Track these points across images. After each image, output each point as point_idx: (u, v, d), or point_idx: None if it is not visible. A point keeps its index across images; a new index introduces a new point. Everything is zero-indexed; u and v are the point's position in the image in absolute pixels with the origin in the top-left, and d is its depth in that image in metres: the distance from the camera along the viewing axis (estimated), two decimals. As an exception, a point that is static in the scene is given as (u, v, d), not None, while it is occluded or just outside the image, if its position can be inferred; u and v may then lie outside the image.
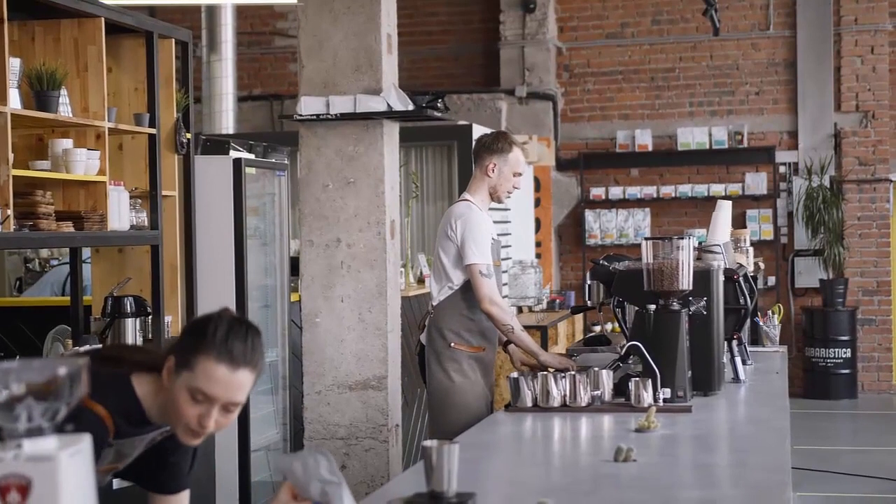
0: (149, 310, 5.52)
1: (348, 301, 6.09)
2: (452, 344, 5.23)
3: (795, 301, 12.65)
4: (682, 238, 4.39)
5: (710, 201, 12.55)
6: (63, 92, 4.88)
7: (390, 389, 5.94)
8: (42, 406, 1.75)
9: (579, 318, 11.19)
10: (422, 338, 5.50)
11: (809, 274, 12.52)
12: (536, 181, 12.33)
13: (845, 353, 12.16)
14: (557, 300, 10.92)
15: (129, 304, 5.40)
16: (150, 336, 5.59)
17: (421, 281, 8.54)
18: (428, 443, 2.70)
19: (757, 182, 12.58)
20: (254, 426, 6.47)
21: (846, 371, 12.20)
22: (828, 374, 12.17)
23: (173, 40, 5.83)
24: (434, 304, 5.37)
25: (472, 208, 5.27)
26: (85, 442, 1.77)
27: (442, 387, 5.25)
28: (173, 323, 5.82)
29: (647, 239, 4.42)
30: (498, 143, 5.35)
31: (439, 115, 6.42)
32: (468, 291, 5.20)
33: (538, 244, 12.32)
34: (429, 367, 5.32)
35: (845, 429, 11.26)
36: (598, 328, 12.33)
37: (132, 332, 5.40)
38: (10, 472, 1.70)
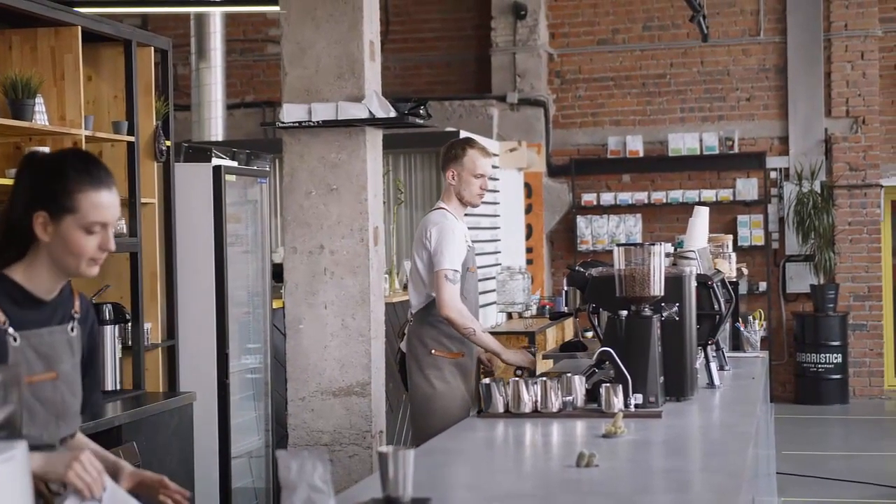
0: (128, 317, 5.53)
1: (332, 307, 6.10)
2: (433, 351, 5.29)
3: (787, 306, 12.67)
4: (654, 244, 4.40)
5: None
6: (39, 100, 4.90)
7: (374, 396, 5.96)
8: (-26, 413, 1.76)
9: (569, 323, 11.19)
10: (402, 345, 5.53)
11: (800, 279, 12.53)
12: (528, 187, 12.36)
13: (836, 358, 12.17)
14: (548, 306, 10.91)
15: (107, 312, 5.41)
16: (129, 343, 5.60)
17: (406, 287, 8.55)
18: (383, 449, 2.73)
19: (748, 188, 12.59)
20: (236, 432, 6.48)
21: (837, 376, 12.21)
22: (819, 380, 12.18)
23: (152, 48, 5.85)
24: (413, 311, 5.43)
25: (447, 216, 5.35)
26: (19, 449, 1.79)
27: (424, 393, 5.30)
28: (153, 330, 5.84)
29: (619, 245, 4.43)
30: (452, 150, 5.46)
31: (421, 121, 6.43)
32: None
33: (530, 250, 12.34)
34: (410, 374, 5.37)
35: (836, 434, 11.26)
36: (590, 334, 12.33)
37: (111, 339, 5.40)
38: (-59, 478, 1.71)
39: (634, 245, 4.42)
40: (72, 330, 2.82)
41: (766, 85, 12.74)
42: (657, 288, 4.36)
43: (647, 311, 4.38)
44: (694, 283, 4.65)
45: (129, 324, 5.57)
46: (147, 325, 5.74)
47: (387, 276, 8.03)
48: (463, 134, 9.85)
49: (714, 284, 4.95)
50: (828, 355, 12.16)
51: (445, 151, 5.48)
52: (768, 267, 12.57)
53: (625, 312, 4.37)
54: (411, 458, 2.73)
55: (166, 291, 5.99)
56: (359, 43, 6.20)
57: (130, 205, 5.60)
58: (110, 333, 5.41)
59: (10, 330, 2.66)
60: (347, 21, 6.18)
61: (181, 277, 6.12)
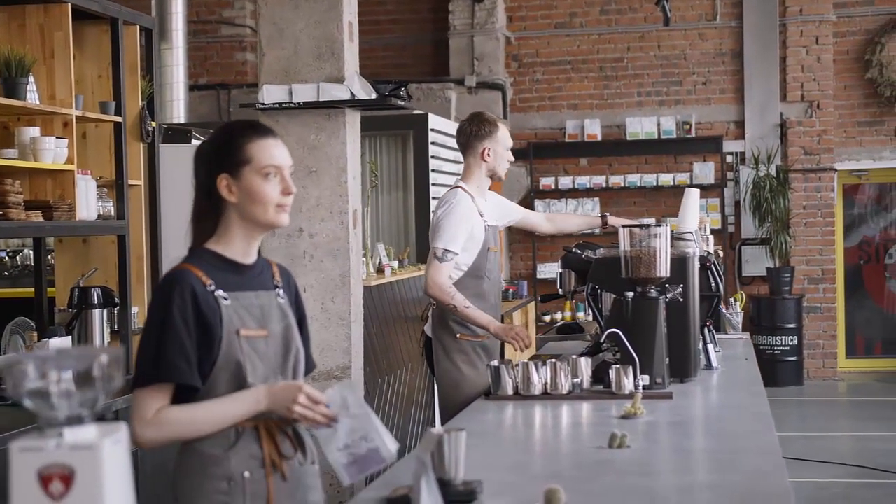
0: (116, 301, 5.44)
1: (311, 291, 6.06)
2: (458, 336, 5.20)
3: (742, 289, 12.77)
4: (660, 225, 4.40)
5: (658, 191, 12.66)
6: (31, 79, 4.79)
7: (353, 379, 5.92)
8: (82, 394, 1.72)
9: (531, 307, 11.22)
10: (426, 329, 5.41)
11: (756, 262, 12.66)
12: (486, 171, 12.32)
13: (791, 340, 12.32)
14: (510, 290, 10.94)
15: (95, 295, 5.31)
16: (117, 328, 5.51)
17: (381, 271, 8.50)
18: (435, 430, 2.69)
19: (705, 171, 12.68)
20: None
21: (792, 358, 12.36)
22: (774, 362, 12.31)
23: (138, 27, 5.74)
24: None
25: (458, 194, 5.25)
26: (122, 431, 1.74)
27: (452, 378, 5.20)
28: (140, 314, 5.75)
29: (624, 226, 4.42)
30: (484, 127, 5.33)
31: (402, 103, 6.39)
32: (471, 279, 5.17)
33: (488, 234, 12.32)
34: (437, 359, 5.25)
35: (792, 415, 11.38)
36: (547, 318, 12.37)
37: (99, 323, 5.31)
38: (53, 461, 1.67)
39: (640, 226, 4.42)
40: (279, 297, 2.94)
41: (722, 69, 12.83)
42: (663, 269, 4.36)
43: (653, 293, 4.38)
44: (697, 264, 4.67)
45: (118, 308, 5.47)
46: (134, 309, 5.64)
47: (362, 259, 7.97)
48: (432, 118, 9.83)
49: (711, 265, 4.98)
50: (783, 337, 12.30)
51: (476, 129, 5.33)
52: (725, 250, 12.66)
53: (631, 294, 4.37)
54: (463, 440, 2.70)
55: (151, 275, 5.89)
56: (338, 23, 6.14)
57: (118, 186, 5.50)
58: (98, 317, 5.31)
59: (220, 292, 2.81)
60: (327, 1, 6.12)
61: (166, 260, 6.02)
